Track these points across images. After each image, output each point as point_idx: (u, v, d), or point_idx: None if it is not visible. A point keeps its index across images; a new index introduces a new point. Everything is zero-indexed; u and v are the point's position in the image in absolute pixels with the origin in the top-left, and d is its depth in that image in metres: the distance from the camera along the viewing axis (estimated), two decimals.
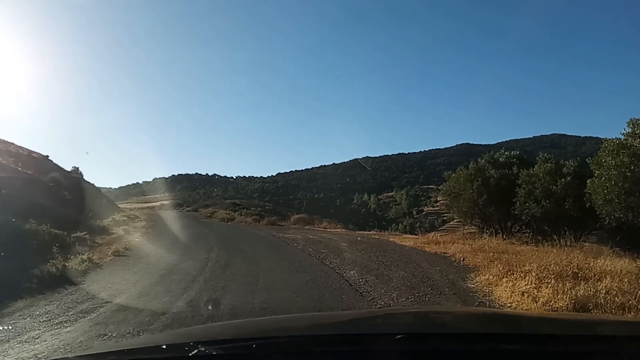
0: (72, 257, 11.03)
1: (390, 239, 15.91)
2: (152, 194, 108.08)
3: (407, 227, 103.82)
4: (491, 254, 10.47)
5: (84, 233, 15.31)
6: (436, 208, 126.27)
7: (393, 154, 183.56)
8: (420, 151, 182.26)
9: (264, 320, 3.51)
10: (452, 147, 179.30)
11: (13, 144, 34.88)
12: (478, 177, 17.66)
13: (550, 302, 5.80)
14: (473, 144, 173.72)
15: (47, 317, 6.32)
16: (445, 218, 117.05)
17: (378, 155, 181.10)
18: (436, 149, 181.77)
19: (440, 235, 16.27)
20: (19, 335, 5.48)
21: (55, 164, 36.37)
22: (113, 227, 19.92)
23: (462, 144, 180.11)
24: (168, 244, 14.81)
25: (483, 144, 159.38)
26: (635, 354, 1.41)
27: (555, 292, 6.03)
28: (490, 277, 7.85)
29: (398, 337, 1.39)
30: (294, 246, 13.61)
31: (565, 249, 10.09)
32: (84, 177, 49.01)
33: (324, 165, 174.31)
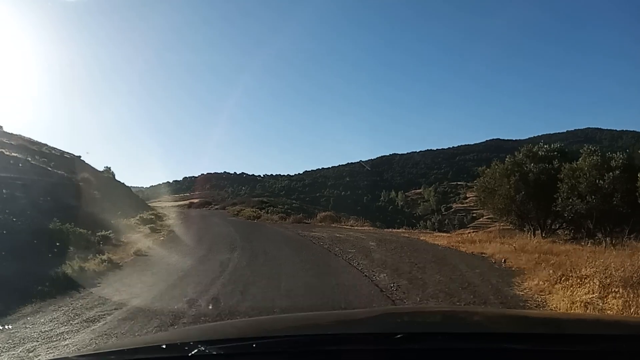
0: (92, 257, 10.59)
1: (422, 238, 14.96)
2: (182, 193, 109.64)
3: (436, 224, 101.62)
4: (535, 254, 9.45)
5: (109, 232, 15.01)
6: (465, 205, 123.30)
7: (421, 151, 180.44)
8: (448, 147, 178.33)
9: (264, 319, 3.57)
10: (481, 142, 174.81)
11: (46, 144, 35.32)
12: (515, 172, 16.45)
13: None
14: (503, 139, 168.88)
15: (49, 326, 5.76)
16: (474, 215, 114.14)
17: (405, 152, 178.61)
18: (465, 145, 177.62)
19: (474, 234, 15.22)
20: (13, 347, 4.94)
21: (88, 164, 36.78)
22: (140, 225, 19.67)
23: (492, 139, 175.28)
24: (191, 244, 14.36)
25: (514, 139, 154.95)
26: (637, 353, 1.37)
27: (627, 304, 5.05)
28: (541, 282, 6.87)
29: (397, 336, 1.38)
30: (319, 245, 12.86)
31: (625, 249, 8.94)
32: (115, 177, 49.68)
33: (351, 163, 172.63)
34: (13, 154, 21.03)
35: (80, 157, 36.40)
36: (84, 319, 6.05)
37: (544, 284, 6.78)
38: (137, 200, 37.96)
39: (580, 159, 15.49)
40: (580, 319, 2.65)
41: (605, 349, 1.40)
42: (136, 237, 16.38)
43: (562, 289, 6.32)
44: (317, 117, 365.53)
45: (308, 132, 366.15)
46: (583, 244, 12.98)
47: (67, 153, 35.16)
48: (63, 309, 6.60)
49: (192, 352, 1.33)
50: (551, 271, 7.35)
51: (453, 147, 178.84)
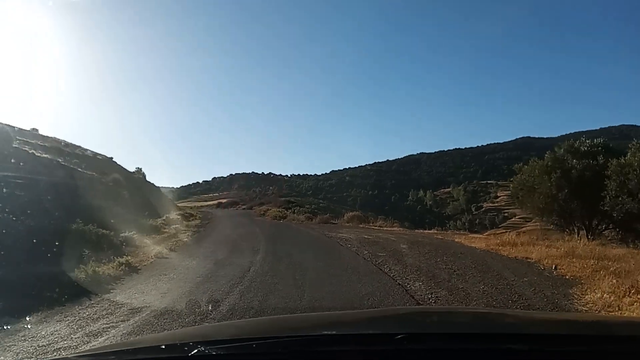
0: (110, 260, 10.12)
1: (456, 240, 13.92)
2: (211, 193, 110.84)
3: (466, 224, 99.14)
4: (590, 260, 8.37)
5: (132, 233, 14.64)
6: (496, 204, 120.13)
7: (449, 149, 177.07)
8: (477, 146, 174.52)
9: (263, 320, 3.55)
10: (511, 140, 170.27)
11: (80, 146, 35.85)
12: (556, 169, 15.22)
13: None
14: (534, 137, 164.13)
15: (49, 340, 5.18)
16: (506, 214, 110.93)
17: (434, 151, 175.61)
18: (494, 143, 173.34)
19: (514, 235, 14.05)
20: None
21: (119, 165, 37.12)
22: (166, 226, 19.35)
23: (522, 137, 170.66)
24: (214, 245, 13.82)
25: (545, 137, 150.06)
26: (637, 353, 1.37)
27: None
28: (605, 295, 5.86)
29: (398, 337, 1.35)
30: (347, 248, 12.04)
31: None
32: (145, 178, 50.24)
33: (378, 162, 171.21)
34: (44, 155, 21.13)
35: (112, 158, 36.78)
36: (87, 332, 5.45)
37: (610, 297, 5.77)
38: (166, 200, 38.08)
39: (628, 154, 14.15)
40: (583, 320, 2.61)
41: (608, 349, 1.38)
42: (160, 237, 15.99)
43: (634, 303, 5.31)
44: (344, 117, 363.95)
45: (335, 131, 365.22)
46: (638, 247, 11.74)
47: (100, 154, 35.55)
48: (68, 320, 6.04)
49: (192, 353, 1.33)
50: (614, 281, 6.33)
51: (482, 145, 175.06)
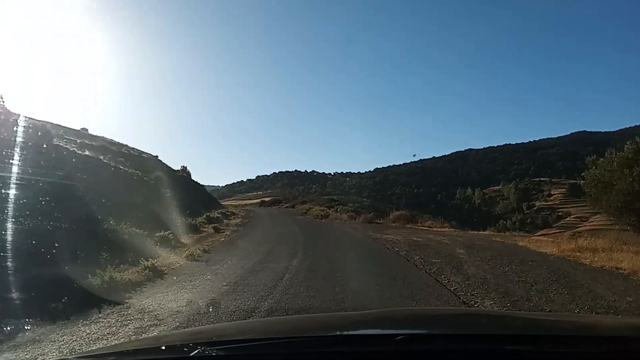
0: (136, 262, 9.27)
1: (519, 243, 12.15)
2: (255, 191, 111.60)
3: (517, 223, 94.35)
4: None
5: (168, 232, 13.89)
6: (550, 202, 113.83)
7: (498, 145, 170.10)
8: (529, 141, 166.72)
9: (265, 320, 3.71)
10: (566, 135, 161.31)
11: (126, 145, 36.24)
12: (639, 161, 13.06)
13: None
14: (591, 132, 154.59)
15: None
16: (560, 213, 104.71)
17: (482, 147, 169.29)
18: (548, 138, 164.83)
19: (588, 239, 12.09)
20: None
21: (164, 164, 37.30)
22: (205, 224, 18.66)
23: (578, 132, 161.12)
24: (250, 246, 12.79)
25: (603, 131, 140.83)
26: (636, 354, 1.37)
27: None
28: None
29: (399, 338, 1.37)
30: (394, 252, 10.62)
31: None
32: (190, 176, 50.64)
33: (423, 159, 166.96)
34: (85, 152, 20.99)
35: (157, 156, 37.00)
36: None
37: None
38: (209, 199, 37.91)
39: None
40: (583, 321, 2.59)
41: (608, 350, 1.37)
42: (197, 237, 15.23)
43: None
44: (387, 115, 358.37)
45: (379, 129, 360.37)
46: None
47: (145, 153, 35.76)
48: (64, 339, 5.04)
49: (192, 354, 1.32)
50: None
51: (534, 140, 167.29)
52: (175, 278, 8.57)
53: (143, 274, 8.54)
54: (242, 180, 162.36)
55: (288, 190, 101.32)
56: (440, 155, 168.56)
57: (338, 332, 1.78)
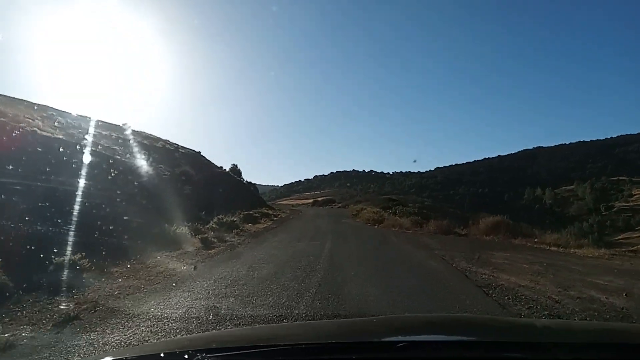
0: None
1: None
2: (313, 191, 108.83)
3: (595, 225, 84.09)
4: None
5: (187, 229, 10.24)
6: (630, 203, 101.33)
7: (570, 143, 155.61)
8: (605, 138, 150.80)
9: (265, 327, 3.52)
10: None
11: (166, 140, 33.70)
12: None
13: None
14: None
15: None
16: None
17: (553, 145, 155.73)
18: (627, 134, 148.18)
19: None
20: None
21: (208, 160, 34.44)
22: (205, 233, 14.37)
23: None
24: (243, 269, 8.11)
25: None
26: None
27: None
28: None
29: (399, 345, 1.36)
30: None
31: None
32: (240, 174, 47.68)
33: (488, 158, 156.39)
34: (113, 147, 18.50)
35: (199, 152, 34.28)
36: None
37: None
38: (254, 197, 34.63)
39: None
40: (584, 328, 2.57)
41: (607, 357, 1.38)
42: (195, 247, 10.90)
43: None
44: (450, 112, 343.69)
45: (439, 127, 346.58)
46: None
47: (183, 148, 33.00)
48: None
49: None
50: None
51: (611, 137, 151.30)
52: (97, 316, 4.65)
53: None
54: (300, 180, 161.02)
55: (345, 189, 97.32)
56: (507, 153, 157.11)
57: (338, 340, 1.69)
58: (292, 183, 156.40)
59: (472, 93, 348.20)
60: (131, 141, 23.87)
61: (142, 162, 18.48)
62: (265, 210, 23.59)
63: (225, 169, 36.43)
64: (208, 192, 23.25)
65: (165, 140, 32.72)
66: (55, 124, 17.97)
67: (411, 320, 2.70)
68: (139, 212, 11.14)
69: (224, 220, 14.67)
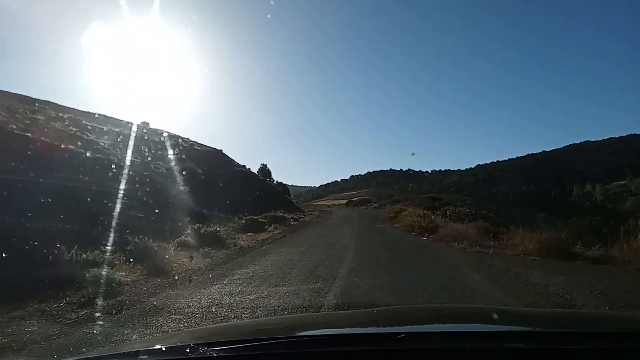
0: None
1: None
2: (349, 191, 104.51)
3: None
4: None
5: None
6: None
7: (621, 136, 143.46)
8: None
9: (265, 320, 3.44)
10: None
11: (185, 138, 31.79)
12: None
13: None
14: None
15: None
16: None
17: (602, 139, 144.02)
18: None
19: None
20: None
21: (230, 159, 31.68)
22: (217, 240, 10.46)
23: None
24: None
25: None
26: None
27: None
28: None
29: (400, 336, 1.29)
30: None
31: None
32: (270, 174, 44.14)
33: (531, 154, 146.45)
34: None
35: (221, 150, 31.49)
36: None
37: None
38: (277, 197, 30.96)
39: None
40: (583, 317, 2.46)
41: (609, 347, 1.30)
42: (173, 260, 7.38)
43: None
44: (490, 108, 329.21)
45: (478, 124, 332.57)
46: None
47: (198, 144, 29.99)
48: None
49: (193, 355, 1.26)
50: None
51: None
52: None
53: None
54: (336, 181, 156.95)
55: (382, 189, 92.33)
56: (551, 148, 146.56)
57: (339, 332, 1.69)
58: (328, 183, 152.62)
59: (513, 87, 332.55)
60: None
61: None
62: (281, 214, 19.48)
63: (248, 168, 32.79)
64: (214, 191, 19.73)
65: (180, 136, 29.82)
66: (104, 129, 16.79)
67: (411, 311, 2.64)
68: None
69: (205, 231, 10.57)
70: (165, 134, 24.51)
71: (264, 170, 44.29)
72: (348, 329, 1.77)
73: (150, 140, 21.60)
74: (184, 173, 17.88)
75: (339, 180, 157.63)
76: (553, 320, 1.90)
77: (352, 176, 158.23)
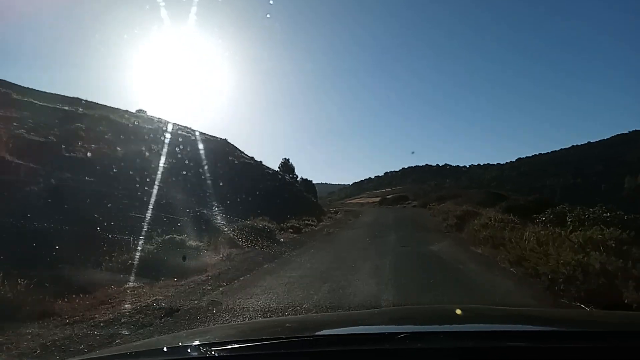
0: None
1: None
2: (384, 188, 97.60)
3: None
4: None
5: None
6: None
7: None
8: None
9: (267, 321, 3.38)
10: None
11: (186, 127, 27.85)
12: None
13: None
14: None
15: None
16: None
17: None
18: None
19: None
20: None
21: (237, 150, 27.07)
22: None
23: None
24: None
25: None
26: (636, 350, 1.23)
27: None
28: None
29: (400, 336, 1.25)
30: None
31: None
32: (293, 170, 39.35)
33: (576, 146, 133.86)
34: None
35: (226, 139, 26.71)
36: None
37: None
38: (295, 196, 25.38)
39: None
40: (584, 316, 2.47)
41: (610, 345, 1.25)
42: None
43: None
44: (527, 101, 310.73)
45: (517, 116, 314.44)
46: None
47: (203, 133, 25.51)
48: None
49: (193, 355, 1.24)
50: None
51: None
52: None
53: None
54: (369, 178, 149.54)
55: (419, 185, 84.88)
56: (597, 139, 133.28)
57: (340, 332, 1.67)
58: (362, 181, 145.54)
59: (554, 76, 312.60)
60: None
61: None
62: (292, 223, 13.53)
63: (259, 163, 27.44)
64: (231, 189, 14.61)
65: (181, 125, 25.21)
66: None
67: (412, 311, 2.57)
68: None
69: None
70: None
71: (287, 165, 38.65)
72: (348, 329, 1.76)
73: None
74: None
75: (372, 177, 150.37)
76: (553, 320, 1.88)
77: (387, 173, 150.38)
